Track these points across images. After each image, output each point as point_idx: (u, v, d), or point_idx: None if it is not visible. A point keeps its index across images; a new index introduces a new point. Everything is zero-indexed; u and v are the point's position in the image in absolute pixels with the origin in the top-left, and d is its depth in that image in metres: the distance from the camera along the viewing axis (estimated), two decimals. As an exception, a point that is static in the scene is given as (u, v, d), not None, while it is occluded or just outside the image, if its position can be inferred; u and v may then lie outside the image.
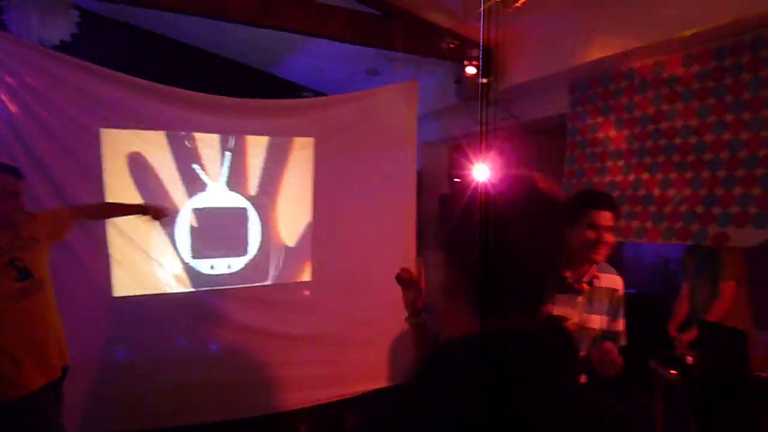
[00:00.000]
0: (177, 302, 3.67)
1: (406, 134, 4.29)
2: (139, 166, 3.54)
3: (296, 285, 4.08)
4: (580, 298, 2.12)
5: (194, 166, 3.74)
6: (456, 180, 5.56)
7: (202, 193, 3.78)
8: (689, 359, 3.23)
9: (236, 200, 3.90)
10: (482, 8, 3.56)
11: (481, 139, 5.43)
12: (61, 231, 2.82)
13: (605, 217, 2.08)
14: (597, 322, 2.15)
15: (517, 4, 3.35)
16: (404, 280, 1.83)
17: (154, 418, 3.46)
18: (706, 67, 3.37)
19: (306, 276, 4.09)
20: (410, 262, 4.20)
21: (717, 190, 3.28)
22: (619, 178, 3.92)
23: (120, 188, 3.42)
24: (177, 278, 3.69)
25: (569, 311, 2.09)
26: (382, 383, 4.03)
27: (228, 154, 3.84)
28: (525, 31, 4.32)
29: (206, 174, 3.78)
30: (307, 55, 5.62)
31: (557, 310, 2.06)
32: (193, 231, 3.74)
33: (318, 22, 4.06)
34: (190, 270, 3.73)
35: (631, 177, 3.83)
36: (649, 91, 3.71)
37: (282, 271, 4.02)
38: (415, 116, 4.30)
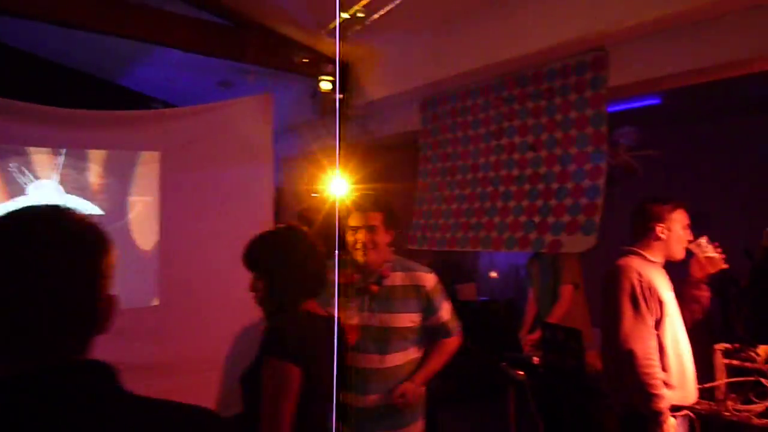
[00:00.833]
0: None
1: (261, 149, 4.17)
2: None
3: (141, 310, 3.77)
4: (373, 302, 2.19)
5: (26, 184, 3.35)
6: (314, 195, 5.54)
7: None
8: (535, 359, 3.44)
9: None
10: (337, 23, 3.60)
11: (338, 155, 5.47)
12: None
13: (354, 218, 2.22)
14: (406, 320, 2.21)
15: (367, 22, 3.40)
16: None
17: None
18: (539, 88, 3.66)
19: (153, 300, 3.80)
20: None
21: (551, 201, 3.57)
22: (467, 191, 4.13)
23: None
24: None
25: (355, 313, 2.17)
26: (238, 409, 3.85)
27: (64, 169, 3.48)
28: (379, 49, 4.43)
29: (39, 187, 3.39)
30: (156, 65, 5.32)
31: (341, 313, 2.14)
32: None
33: (163, 31, 3.85)
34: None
35: (478, 190, 4.05)
36: (491, 110, 3.96)
37: (125, 296, 3.70)
38: (270, 130, 4.19)
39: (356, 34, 3.79)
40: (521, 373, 3.36)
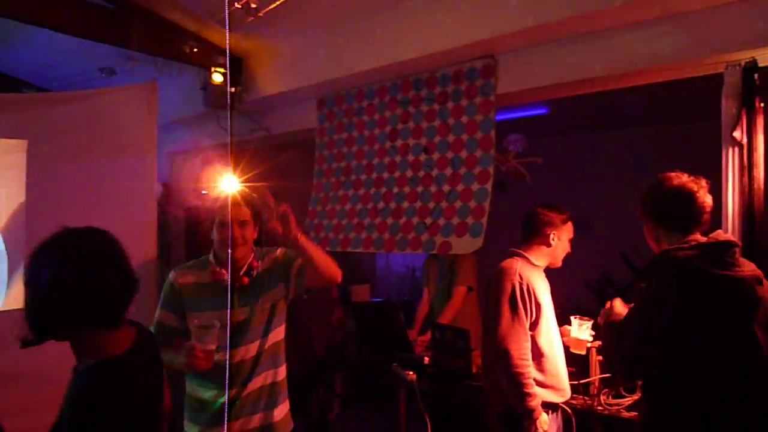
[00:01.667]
0: None
1: (144, 140, 3.91)
2: None
3: (8, 313, 3.41)
4: (243, 295, 2.19)
5: None
6: (204, 192, 5.30)
7: None
8: (426, 359, 3.46)
9: None
10: (226, 13, 3.44)
11: (230, 151, 5.27)
12: None
13: (237, 212, 2.19)
14: (278, 293, 2.25)
15: (260, 13, 3.28)
16: None
17: None
18: (432, 92, 3.71)
19: (19, 302, 3.44)
20: (150, 281, 3.81)
21: (442, 203, 3.63)
22: (361, 191, 4.11)
23: None
24: None
25: (234, 310, 2.15)
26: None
27: None
28: (275, 44, 4.31)
29: None
30: (31, 47, 4.87)
31: (216, 315, 2.09)
32: None
33: (37, 10, 3.51)
34: None
35: (372, 191, 4.04)
36: (386, 111, 3.97)
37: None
38: (155, 121, 3.95)
39: (250, 25, 3.66)
40: (411, 373, 3.37)
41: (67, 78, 5.46)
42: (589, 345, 2.67)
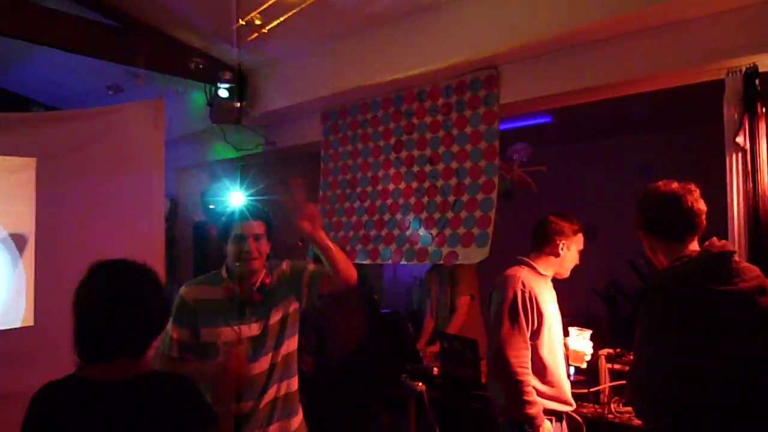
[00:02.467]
0: None
1: (152, 156, 3.95)
2: None
3: (11, 332, 3.43)
4: (256, 310, 2.19)
5: None
6: (212, 207, 5.34)
7: None
8: (435, 370, 3.46)
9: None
10: (234, 28, 3.50)
11: (236, 165, 5.31)
12: None
13: (253, 226, 2.17)
14: (290, 306, 2.26)
15: (264, 30, 3.33)
16: None
17: None
18: (436, 103, 3.74)
19: (26, 320, 3.47)
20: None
21: (448, 213, 3.64)
22: (367, 203, 4.13)
23: None
24: None
25: (244, 327, 2.15)
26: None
27: None
28: (279, 59, 4.36)
29: None
30: (39, 65, 4.94)
31: (228, 331, 2.13)
32: None
33: (44, 29, 3.57)
34: None
35: (378, 202, 4.06)
36: (391, 123, 4.00)
37: (-4, 316, 3.36)
38: (162, 137, 3.99)
39: (255, 41, 3.71)
40: (421, 384, 3.37)
41: (74, 96, 5.53)
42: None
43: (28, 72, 5.16)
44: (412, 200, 3.86)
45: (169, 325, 2.17)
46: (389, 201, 3.99)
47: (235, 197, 4.89)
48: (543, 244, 2.55)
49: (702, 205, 1.79)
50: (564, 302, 2.65)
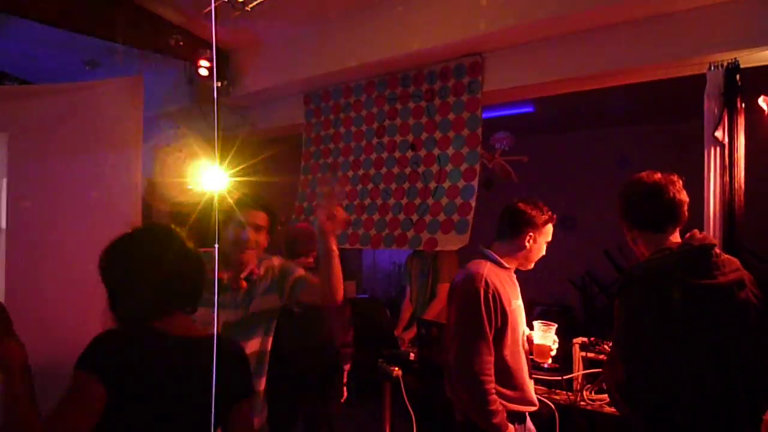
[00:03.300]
0: None
1: (129, 136, 3.85)
2: None
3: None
4: (238, 297, 2.17)
5: None
6: (190, 188, 5.26)
7: None
8: (411, 355, 3.48)
9: None
10: (212, 6, 3.41)
11: (216, 145, 5.24)
12: None
13: (257, 216, 2.16)
14: (271, 301, 2.24)
15: (248, 8, 3.27)
16: None
17: None
18: (419, 89, 3.72)
19: (-5, 297, 3.40)
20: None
21: (428, 199, 3.64)
22: (348, 187, 4.11)
23: None
24: None
25: (223, 311, 2.13)
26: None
27: None
28: (262, 39, 4.29)
29: None
30: (13, 38, 4.79)
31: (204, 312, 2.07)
32: None
33: (16, 0, 3.46)
34: None
35: (359, 187, 4.04)
36: (373, 107, 3.97)
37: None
38: (140, 115, 3.89)
39: (237, 20, 3.63)
40: (397, 369, 3.39)
41: (50, 71, 5.39)
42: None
43: (2, 45, 5.01)
44: (393, 186, 3.85)
45: None
46: (370, 186, 3.98)
47: (213, 179, 4.84)
48: (510, 234, 2.33)
49: (684, 196, 1.78)
50: (540, 292, 2.64)
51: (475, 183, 3.45)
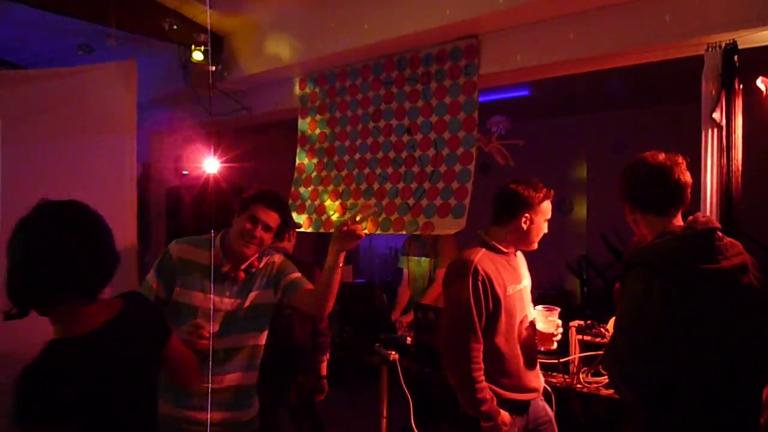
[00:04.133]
0: None
1: (123, 120, 3.83)
2: None
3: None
4: (235, 287, 2.18)
5: None
6: (185, 173, 5.24)
7: None
8: (408, 339, 3.49)
9: None
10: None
11: (210, 130, 5.22)
12: None
13: (270, 216, 2.16)
14: (267, 296, 2.24)
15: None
16: None
17: None
18: (415, 72, 3.69)
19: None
20: (130, 262, 3.77)
21: (425, 183, 3.63)
22: (344, 172, 4.09)
23: None
24: None
25: (217, 298, 2.15)
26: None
27: None
28: (256, 22, 4.24)
29: None
30: (5, 22, 4.74)
31: (201, 297, 2.13)
32: None
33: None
34: None
35: (355, 171, 4.03)
36: (369, 91, 3.94)
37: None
38: (133, 100, 3.86)
39: (231, 3, 3.60)
40: (394, 353, 3.40)
41: (43, 55, 5.34)
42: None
43: (-6, 30, 4.96)
44: (389, 170, 3.83)
45: (151, 275, 2.17)
46: (366, 170, 3.96)
47: (209, 164, 4.80)
48: (506, 217, 2.29)
49: (688, 178, 1.74)
50: (537, 276, 2.60)
51: (471, 167, 3.44)
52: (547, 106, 6.00)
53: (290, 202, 4.38)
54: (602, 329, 2.85)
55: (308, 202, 4.27)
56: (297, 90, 4.43)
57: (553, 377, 2.79)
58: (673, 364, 1.59)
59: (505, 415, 2.20)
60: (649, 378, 1.61)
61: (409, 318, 3.77)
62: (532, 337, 2.37)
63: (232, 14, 4.06)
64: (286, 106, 4.57)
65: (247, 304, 2.19)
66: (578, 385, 2.73)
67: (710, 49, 2.69)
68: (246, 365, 2.20)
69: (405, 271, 4.24)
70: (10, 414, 1.30)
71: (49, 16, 3.88)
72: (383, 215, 3.82)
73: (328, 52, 3.89)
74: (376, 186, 3.89)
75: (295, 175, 4.42)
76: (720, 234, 1.67)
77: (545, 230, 2.35)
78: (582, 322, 2.93)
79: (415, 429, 3.13)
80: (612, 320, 2.55)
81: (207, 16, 3.93)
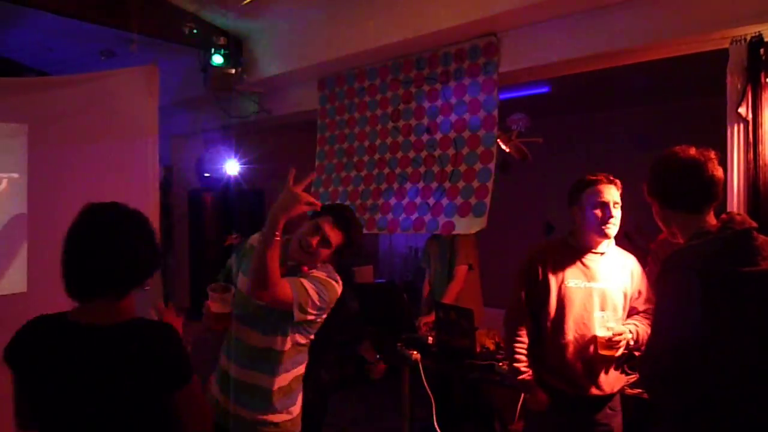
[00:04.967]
0: None
1: (145, 124, 3.88)
2: None
3: (6, 297, 3.42)
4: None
5: None
6: (206, 175, 5.29)
7: None
8: (430, 339, 3.48)
9: None
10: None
11: (231, 133, 5.26)
12: None
13: (334, 233, 2.08)
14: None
15: (260, -6, 3.25)
16: None
17: None
18: (434, 71, 3.68)
19: (20, 287, 3.45)
20: (154, 264, 3.82)
21: (445, 183, 3.62)
22: (364, 173, 4.10)
23: None
24: None
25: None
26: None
27: None
28: (275, 24, 4.27)
29: None
30: (30, 29, 4.83)
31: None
32: None
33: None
34: None
35: (375, 172, 4.03)
36: (388, 91, 3.94)
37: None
38: (155, 104, 3.92)
39: (251, 6, 3.62)
40: (415, 353, 3.40)
41: (66, 61, 5.43)
42: (621, 345, 2.23)
43: (19, 37, 5.06)
44: (409, 170, 3.83)
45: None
46: (386, 170, 3.97)
47: (230, 166, 4.85)
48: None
49: (720, 173, 1.66)
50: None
51: (491, 166, 3.42)
52: (566, 103, 5.94)
53: (309, 203, 4.40)
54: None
55: (328, 203, 4.28)
56: (316, 91, 4.45)
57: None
58: (714, 367, 1.54)
59: (542, 396, 2.35)
60: (688, 381, 1.57)
61: (431, 318, 3.77)
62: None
63: (250, 17, 4.09)
64: (306, 108, 4.59)
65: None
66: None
67: (735, 43, 2.64)
68: (269, 369, 2.14)
69: (426, 269, 4.23)
70: None
71: (72, 22, 3.95)
72: (403, 215, 3.82)
73: (346, 53, 3.90)
74: (396, 186, 3.89)
75: (315, 175, 4.44)
76: (755, 233, 1.60)
77: (606, 217, 2.29)
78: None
79: (438, 429, 3.12)
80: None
81: (227, 20, 3.97)
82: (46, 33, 4.81)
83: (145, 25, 3.98)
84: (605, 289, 2.33)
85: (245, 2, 3.26)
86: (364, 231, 4.06)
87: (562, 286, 2.31)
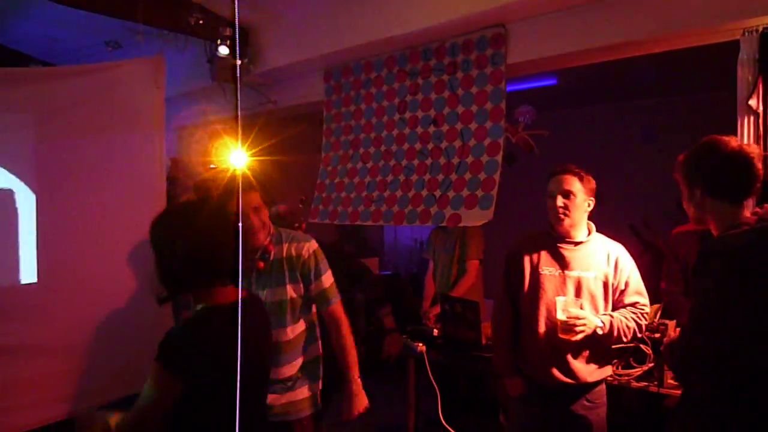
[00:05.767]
0: None
1: (151, 115, 3.88)
2: None
3: (16, 288, 3.44)
4: (253, 278, 2.21)
5: None
6: (212, 167, 5.28)
7: None
8: (435, 331, 3.49)
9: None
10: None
11: (237, 124, 5.25)
12: None
13: (250, 198, 2.18)
14: (292, 291, 2.23)
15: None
16: None
17: None
18: (441, 62, 3.66)
19: (29, 277, 3.47)
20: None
21: (451, 175, 3.61)
22: (370, 164, 4.09)
23: None
24: None
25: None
26: (126, 391, 3.62)
27: None
28: (281, 15, 4.25)
29: None
30: (35, 20, 4.84)
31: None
32: None
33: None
34: None
35: (381, 163, 4.02)
36: (395, 83, 3.92)
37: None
38: (162, 95, 3.91)
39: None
40: (421, 344, 3.40)
41: (72, 52, 5.43)
42: (580, 329, 2.27)
43: (25, 28, 5.06)
44: (416, 162, 3.82)
45: None
46: (392, 162, 3.96)
47: (235, 158, 4.82)
48: None
49: (761, 168, 1.69)
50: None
51: (498, 158, 3.41)
52: (573, 95, 5.91)
53: (316, 194, 4.40)
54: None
55: (334, 194, 4.28)
56: (322, 82, 4.43)
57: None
58: (753, 357, 1.56)
59: (516, 382, 2.49)
60: (726, 371, 1.58)
61: (436, 310, 3.77)
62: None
63: (257, 8, 4.07)
64: (312, 99, 4.58)
65: (282, 297, 2.18)
66: (609, 377, 2.70)
67: (746, 34, 2.62)
68: (280, 359, 2.19)
69: (431, 262, 4.23)
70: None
71: (78, 13, 3.93)
72: (410, 207, 3.81)
73: (352, 44, 3.88)
74: (402, 178, 3.88)
75: (321, 167, 4.43)
76: None
77: (567, 207, 2.41)
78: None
79: (443, 421, 3.13)
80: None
81: (232, 10, 3.95)
82: (51, 24, 4.80)
83: (152, 16, 3.96)
84: (581, 277, 2.38)
85: None
86: (370, 222, 4.08)
87: (538, 273, 2.41)
